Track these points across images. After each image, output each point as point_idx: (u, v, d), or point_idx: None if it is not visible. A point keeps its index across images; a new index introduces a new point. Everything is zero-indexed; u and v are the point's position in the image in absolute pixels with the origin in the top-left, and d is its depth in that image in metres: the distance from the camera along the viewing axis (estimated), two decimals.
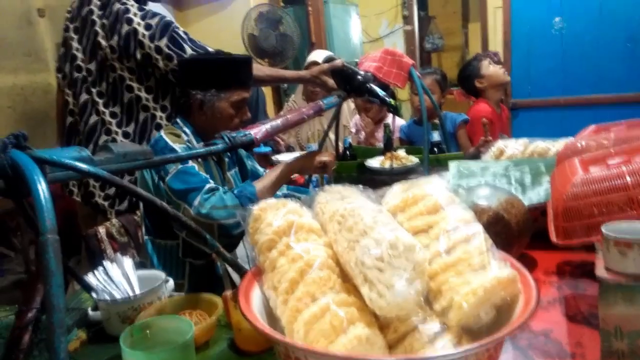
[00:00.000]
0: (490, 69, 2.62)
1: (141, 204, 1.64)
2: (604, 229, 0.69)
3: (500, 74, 2.63)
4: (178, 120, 1.55)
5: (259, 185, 1.43)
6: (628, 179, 0.82)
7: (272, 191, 1.45)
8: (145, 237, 1.51)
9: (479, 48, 4.56)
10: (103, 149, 0.76)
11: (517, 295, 0.64)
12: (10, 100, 3.09)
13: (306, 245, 0.71)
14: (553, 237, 0.89)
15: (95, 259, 1.50)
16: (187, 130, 1.51)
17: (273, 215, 0.76)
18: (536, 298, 0.62)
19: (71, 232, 2.03)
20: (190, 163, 1.38)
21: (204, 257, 1.48)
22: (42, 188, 0.58)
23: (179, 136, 1.47)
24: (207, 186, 1.35)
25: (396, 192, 0.79)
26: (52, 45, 3.33)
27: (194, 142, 1.49)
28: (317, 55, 2.86)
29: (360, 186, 0.84)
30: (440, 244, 0.68)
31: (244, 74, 1.52)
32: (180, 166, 1.37)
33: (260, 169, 1.76)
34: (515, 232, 1.04)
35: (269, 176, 1.48)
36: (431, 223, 0.72)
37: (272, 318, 0.68)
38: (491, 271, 0.63)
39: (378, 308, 0.60)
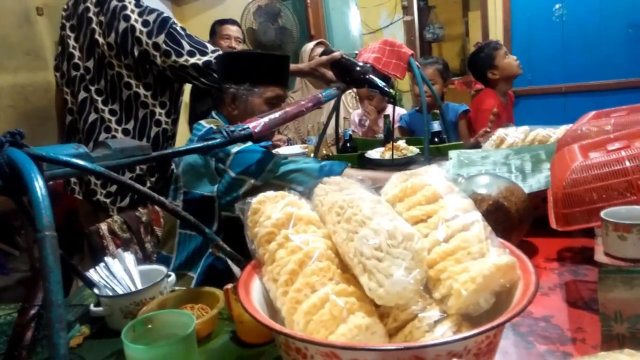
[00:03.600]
0: (505, 61, 2.54)
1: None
2: (603, 214, 0.69)
3: (514, 66, 2.56)
4: (213, 114, 1.55)
5: (350, 172, 1.36)
6: (627, 164, 0.81)
7: None
8: (179, 230, 1.50)
9: (480, 37, 4.53)
10: (101, 145, 0.76)
11: (516, 281, 0.64)
12: (11, 99, 3.10)
13: (305, 237, 0.71)
14: (553, 224, 0.89)
15: (97, 256, 1.50)
16: (224, 123, 1.51)
17: (272, 207, 0.76)
18: (535, 284, 0.62)
19: (73, 229, 2.04)
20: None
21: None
22: (38, 185, 0.58)
23: None
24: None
25: (395, 182, 0.80)
26: (51, 44, 3.33)
27: None
28: (307, 47, 2.87)
29: (360, 177, 0.84)
30: (439, 233, 0.68)
31: (280, 71, 1.52)
32: (240, 147, 1.36)
33: None
34: (516, 220, 1.04)
35: (365, 173, 1.43)
36: (430, 212, 0.72)
37: (272, 310, 0.68)
38: (490, 258, 0.63)
39: (377, 297, 0.61)
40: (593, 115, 1.22)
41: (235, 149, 1.35)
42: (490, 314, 0.63)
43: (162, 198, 0.72)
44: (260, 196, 0.78)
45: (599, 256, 0.68)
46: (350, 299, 0.62)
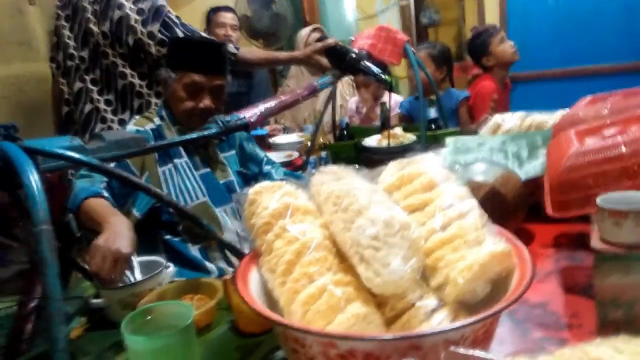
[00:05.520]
0: (499, 48, 2.53)
1: None
2: (598, 200, 0.69)
3: (509, 53, 2.54)
4: (162, 102, 1.55)
5: (89, 205, 1.26)
6: (623, 149, 0.81)
7: (87, 220, 1.27)
8: None
9: (476, 21, 4.50)
10: (95, 137, 0.75)
11: (512, 269, 0.65)
12: (4, 90, 3.06)
13: (302, 227, 0.71)
14: (549, 210, 0.89)
15: None
16: (164, 113, 1.50)
17: (269, 198, 0.76)
18: (531, 271, 0.62)
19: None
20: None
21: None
22: (33, 179, 0.58)
23: (150, 120, 1.47)
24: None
25: (392, 171, 0.79)
26: (44, 34, 3.28)
27: (170, 125, 1.48)
28: (303, 32, 2.87)
29: (356, 166, 0.84)
30: (436, 221, 0.68)
31: (199, 58, 1.44)
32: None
33: (261, 153, 1.74)
34: (512, 207, 1.04)
35: (97, 212, 1.26)
36: (426, 200, 0.72)
37: (270, 300, 0.68)
38: (486, 246, 0.64)
39: (375, 287, 0.61)
40: (589, 100, 1.22)
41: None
42: (486, 301, 0.63)
43: (158, 190, 0.72)
44: (257, 187, 0.78)
45: (595, 242, 0.68)
46: (348, 289, 0.63)
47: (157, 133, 1.44)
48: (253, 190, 0.78)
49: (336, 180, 0.78)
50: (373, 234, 0.62)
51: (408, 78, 3.63)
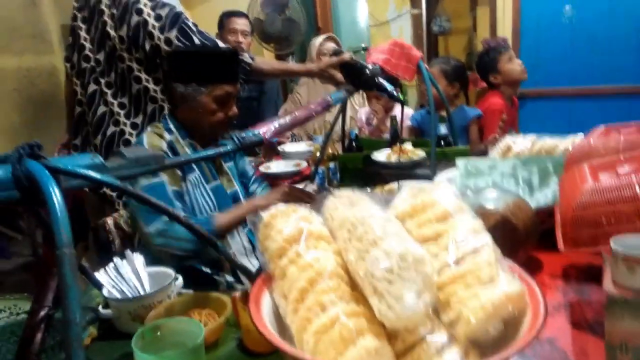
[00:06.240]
0: (507, 66, 2.52)
1: None
2: (613, 243, 0.69)
3: (517, 72, 2.53)
4: (166, 115, 1.53)
5: (221, 220, 1.39)
6: (638, 189, 0.82)
7: (232, 227, 1.42)
8: None
9: (487, 33, 4.50)
10: (115, 155, 0.76)
11: (525, 309, 0.65)
12: (16, 82, 3.07)
13: (316, 254, 0.71)
14: (560, 245, 0.90)
15: (103, 251, 1.52)
16: (172, 127, 1.48)
17: (283, 222, 0.76)
18: (544, 313, 0.62)
19: (79, 219, 2.05)
20: (161, 177, 1.36)
21: None
22: (57, 200, 0.58)
23: (161, 136, 1.45)
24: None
25: (405, 198, 0.80)
26: (57, 27, 3.30)
27: (180, 139, 1.47)
28: (316, 41, 2.89)
29: (368, 189, 0.84)
30: (450, 255, 0.68)
31: (227, 69, 1.47)
32: (151, 181, 1.34)
33: (250, 171, 1.75)
34: (523, 236, 1.05)
35: (234, 213, 1.42)
36: (440, 232, 0.72)
37: (281, 323, 0.69)
38: (500, 285, 0.64)
39: (387, 320, 0.61)
40: (602, 130, 1.22)
41: (143, 182, 1.34)
42: (497, 339, 0.63)
43: (177, 212, 0.73)
44: (273, 209, 0.79)
45: (608, 285, 0.69)
46: (360, 320, 0.63)
47: (171, 150, 1.44)
48: (269, 213, 0.78)
49: (350, 205, 0.78)
50: (387, 267, 0.63)
51: (417, 89, 3.64)
